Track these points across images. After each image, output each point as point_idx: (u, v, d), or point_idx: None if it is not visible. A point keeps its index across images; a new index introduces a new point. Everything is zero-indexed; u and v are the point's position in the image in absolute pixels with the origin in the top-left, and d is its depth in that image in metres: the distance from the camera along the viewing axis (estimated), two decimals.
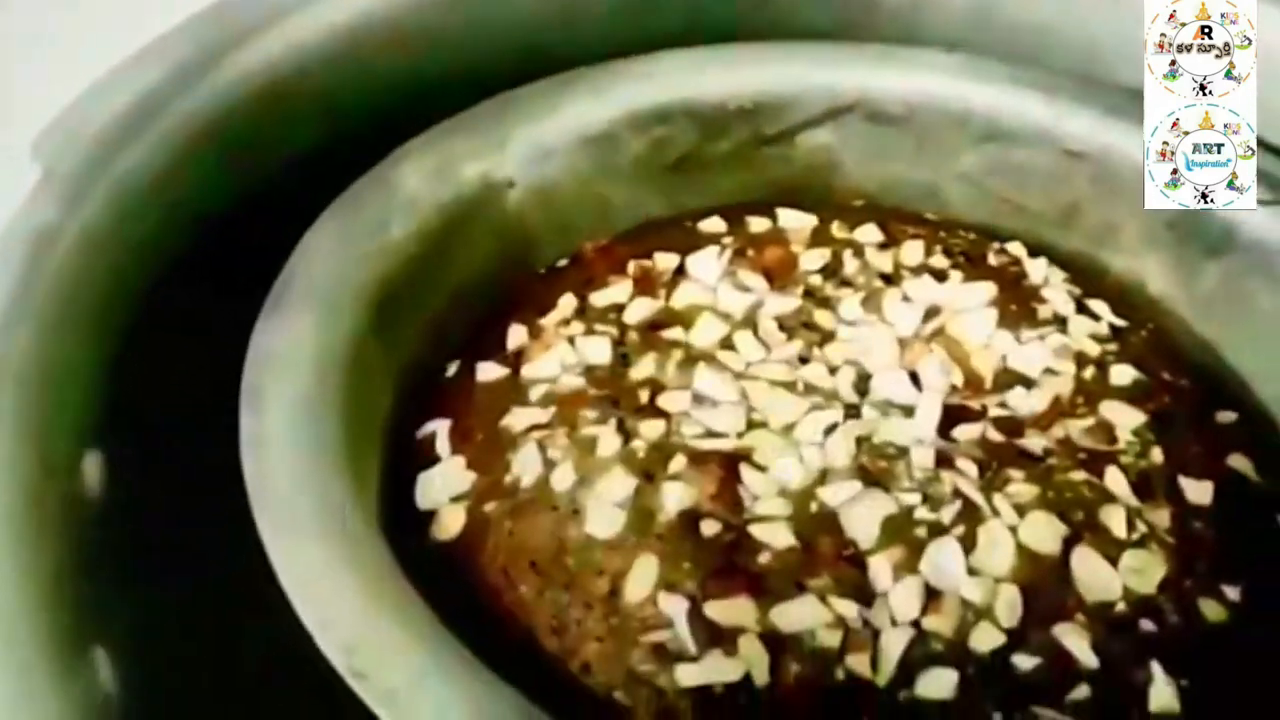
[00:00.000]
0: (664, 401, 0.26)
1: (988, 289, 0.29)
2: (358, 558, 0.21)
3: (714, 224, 0.32)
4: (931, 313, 0.29)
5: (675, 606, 0.22)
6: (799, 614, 0.22)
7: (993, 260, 0.31)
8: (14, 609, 0.20)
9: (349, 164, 0.29)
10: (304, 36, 0.30)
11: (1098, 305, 0.30)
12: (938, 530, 0.23)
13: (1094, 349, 0.28)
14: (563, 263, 0.32)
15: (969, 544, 0.23)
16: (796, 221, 0.32)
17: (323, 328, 0.26)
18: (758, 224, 0.32)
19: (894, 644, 0.22)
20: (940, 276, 0.30)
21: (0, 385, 0.21)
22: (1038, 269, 0.30)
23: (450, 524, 0.25)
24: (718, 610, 0.22)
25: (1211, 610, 0.23)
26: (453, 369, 0.29)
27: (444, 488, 0.26)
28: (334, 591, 0.20)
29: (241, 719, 0.22)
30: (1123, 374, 0.27)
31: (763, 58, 0.34)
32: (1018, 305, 0.29)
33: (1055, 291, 0.30)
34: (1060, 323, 0.29)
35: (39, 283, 0.23)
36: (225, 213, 0.28)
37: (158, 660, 0.21)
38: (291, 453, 0.23)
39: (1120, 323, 0.29)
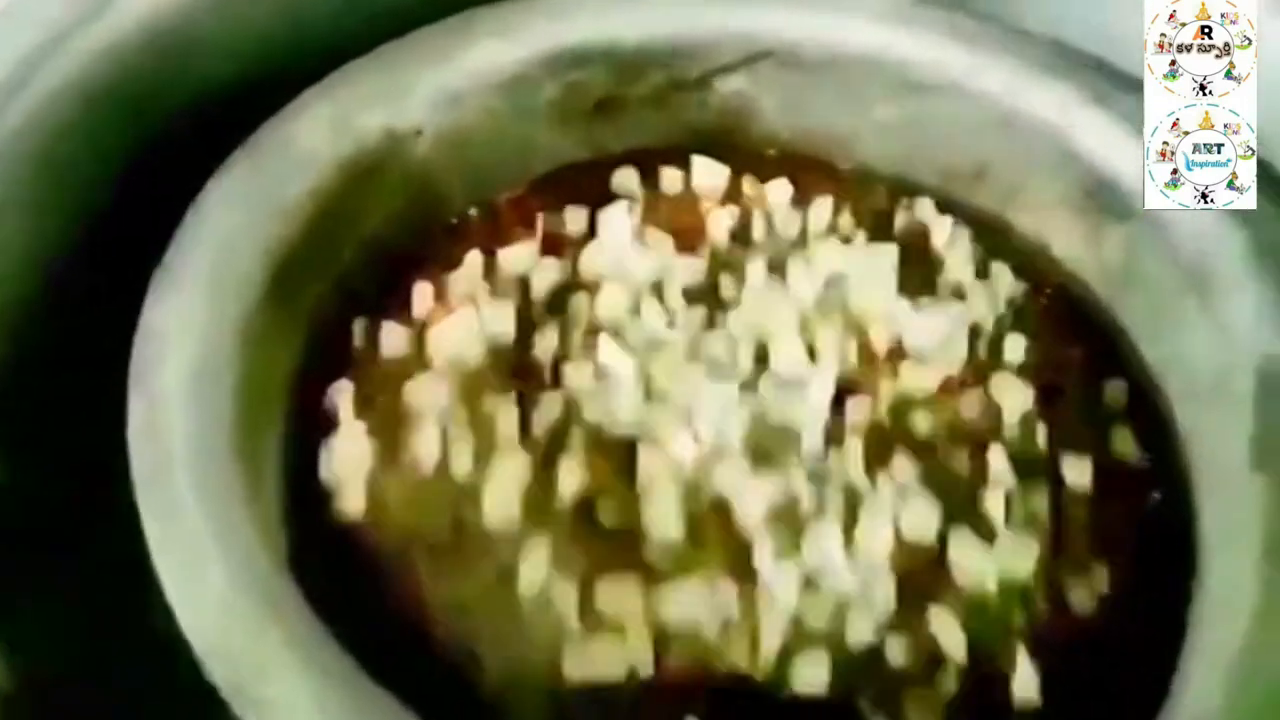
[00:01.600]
0: (566, 376, 0.27)
1: (890, 253, 0.29)
2: (249, 572, 0.21)
3: (627, 176, 0.32)
4: (834, 280, 0.29)
5: (566, 595, 0.23)
6: (684, 600, 0.23)
7: (900, 220, 0.31)
8: None
9: (248, 112, 0.29)
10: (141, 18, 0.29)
11: (999, 268, 0.30)
12: (821, 514, 0.24)
13: (989, 319, 0.28)
14: (474, 212, 0.32)
15: (849, 529, 0.24)
16: (709, 175, 0.32)
17: (217, 298, 0.25)
18: (670, 176, 0.32)
19: (772, 634, 0.23)
20: (845, 240, 0.30)
21: None
22: (942, 229, 0.31)
23: (351, 501, 0.26)
24: (607, 595, 0.23)
25: (1079, 597, 0.25)
26: (360, 326, 0.29)
27: (344, 461, 0.26)
28: (221, 612, 0.20)
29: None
30: (1015, 346, 0.28)
31: None
32: (920, 271, 0.29)
33: (958, 256, 0.30)
34: (959, 291, 0.29)
35: None
36: (118, 174, 0.27)
37: (53, 659, 0.22)
38: (182, 442, 0.23)
39: (1020, 286, 0.30)
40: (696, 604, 0.23)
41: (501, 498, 0.24)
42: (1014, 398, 0.27)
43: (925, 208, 0.31)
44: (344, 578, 0.24)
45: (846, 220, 0.31)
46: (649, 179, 0.32)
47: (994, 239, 0.32)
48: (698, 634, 0.23)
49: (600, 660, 0.22)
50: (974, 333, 0.28)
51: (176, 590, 0.21)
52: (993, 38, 0.32)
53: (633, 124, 0.33)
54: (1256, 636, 0.22)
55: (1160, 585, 0.25)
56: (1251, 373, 0.26)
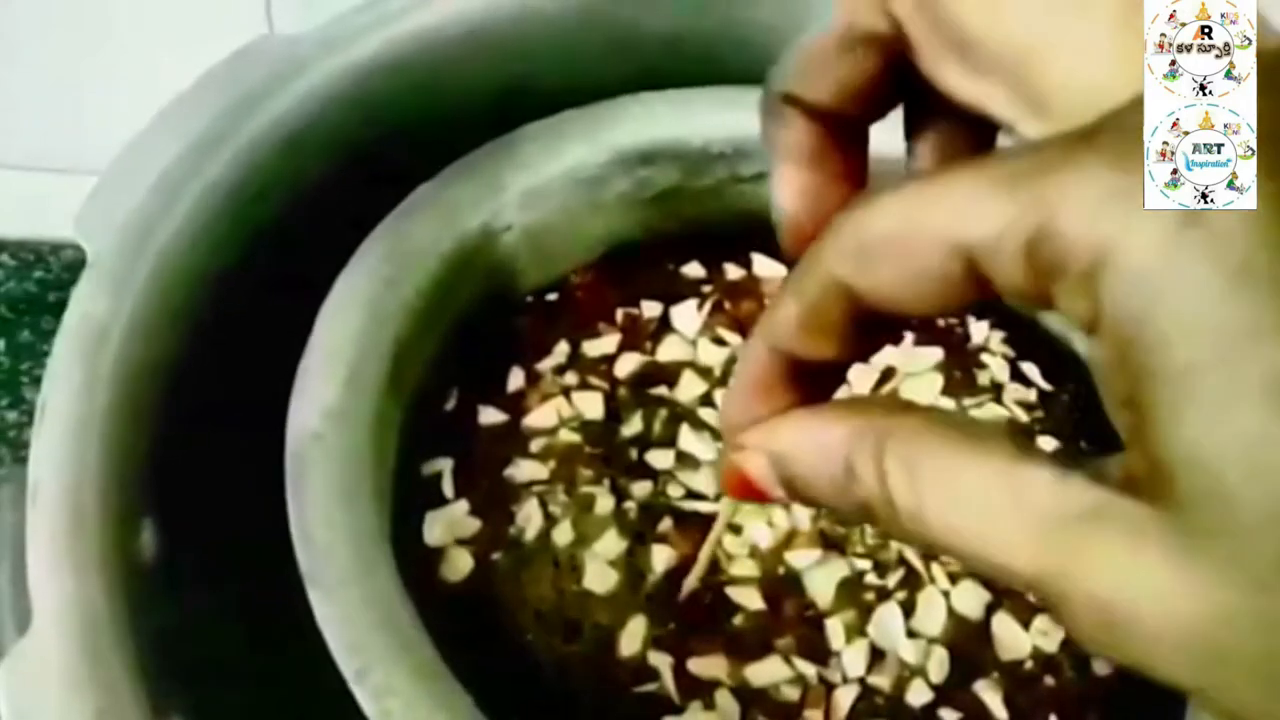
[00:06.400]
0: (652, 458, 0.30)
1: (935, 353, 0.33)
2: (386, 612, 0.24)
3: (694, 270, 0.35)
4: (887, 374, 0.32)
5: (662, 661, 0.26)
6: (767, 671, 0.26)
7: (940, 320, 0.34)
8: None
9: (357, 199, 0.32)
10: (316, 86, 0.32)
11: (1029, 369, 0.34)
12: (884, 594, 0.28)
13: (1024, 417, 0.32)
14: (552, 296, 0.35)
15: (909, 608, 0.27)
16: (769, 270, 0.35)
17: (349, 396, 0.28)
18: (734, 272, 0.35)
19: (844, 699, 0.26)
20: (895, 340, 0.33)
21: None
22: (979, 331, 0.34)
23: (459, 566, 0.29)
24: (698, 666, 0.26)
25: (1101, 666, 0.28)
26: (451, 402, 0.32)
27: (451, 529, 0.29)
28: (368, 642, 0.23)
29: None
30: (1046, 445, 0.31)
31: (743, 101, 0.37)
32: (961, 371, 0.33)
33: (993, 356, 0.33)
34: (996, 390, 0.33)
35: (97, 381, 0.25)
36: (245, 267, 0.30)
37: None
38: (327, 526, 0.26)
39: (1048, 387, 0.33)
40: (777, 671, 0.26)
41: (602, 571, 0.28)
42: None
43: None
44: (459, 634, 0.27)
45: None
46: (714, 273, 0.35)
47: (1022, 332, 0.35)
48: (779, 696, 0.26)
49: (695, 719, 0.25)
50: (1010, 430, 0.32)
51: (333, 637, 0.24)
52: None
53: (688, 209, 0.37)
54: None
55: None
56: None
